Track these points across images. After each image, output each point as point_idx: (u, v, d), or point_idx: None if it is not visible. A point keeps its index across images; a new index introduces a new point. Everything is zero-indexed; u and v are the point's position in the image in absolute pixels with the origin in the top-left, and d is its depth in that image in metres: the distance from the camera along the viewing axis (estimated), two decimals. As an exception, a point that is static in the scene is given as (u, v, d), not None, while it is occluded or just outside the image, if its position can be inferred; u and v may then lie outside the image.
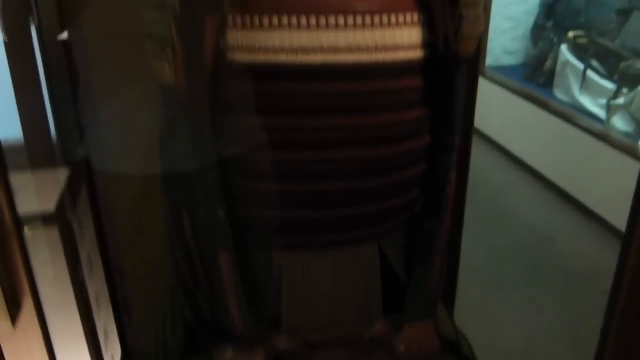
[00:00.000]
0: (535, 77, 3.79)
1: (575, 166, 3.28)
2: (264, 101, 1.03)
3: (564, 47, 3.49)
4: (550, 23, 3.61)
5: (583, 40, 3.30)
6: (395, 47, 1.01)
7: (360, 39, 0.98)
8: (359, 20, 0.97)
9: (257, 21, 0.97)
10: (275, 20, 0.97)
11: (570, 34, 3.38)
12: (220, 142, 1.06)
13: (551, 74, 3.65)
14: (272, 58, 0.98)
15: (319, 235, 1.16)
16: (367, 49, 0.99)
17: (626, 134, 3.02)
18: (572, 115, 3.33)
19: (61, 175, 1.13)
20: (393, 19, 1.00)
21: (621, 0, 3.32)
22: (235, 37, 0.99)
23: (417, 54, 1.04)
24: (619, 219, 2.94)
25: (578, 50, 3.34)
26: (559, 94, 3.58)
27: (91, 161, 1.39)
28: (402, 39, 1.01)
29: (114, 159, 1.43)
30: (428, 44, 1.05)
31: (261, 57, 0.99)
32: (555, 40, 3.59)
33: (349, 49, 0.98)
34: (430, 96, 1.10)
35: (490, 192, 3.30)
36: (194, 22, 0.95)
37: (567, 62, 3.46)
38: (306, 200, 1.10)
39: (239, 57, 1.00)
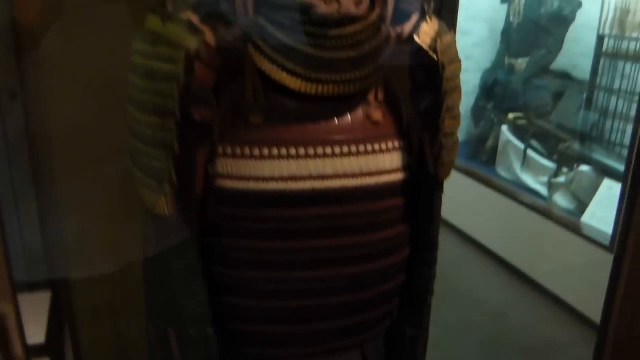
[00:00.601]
0: (478, 155, 3.97)
1: (522, 242, 3.41)
2: (253, 225, 1.04)
3: (504, 128, 3.69)
4: (491, 105, 3.82)
5: (523, 122, 3.51)
6: (379, 172, 1.06)
7: (347, 167, 1.03)
8: (345, 149, 1.02)
9: (247, 152, 1.00)
10: (265, 152, 1.00)
11: (511, 115, 3.58)
12: (209, 262, 1.07)
13: (493, 152, 3.84)
14: (262, 186, 1.01)
15: (305, 347, 1.17)
16: (353, 175, 1.03)
17: (568, 211, 3.18)
18: (515, 192, 3.49)
19: (43, 299, 1.10)
20: (377, 146, 1.05)
21: (556, 83, 3.57)
22: (225, 166, 1.01)
23: (398, 176, 1.09)
24: (568, 294, 3.07)
25: (518, 131, 3.54)
26: (501, 171, 3.75)
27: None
28: (385, 164, 1.07)
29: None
30: (408, 167, 1.10)
31: (251, 185, 1.01)
32: (495, 120, 3.79)
33: (336, 176, 1.02)
34: (410, 213, 1.14)
35: (441, 270, 3.36)
36: (185, 153, 0.97)
37: (508, 142, 3.65)
38: (294, 315, 1.11)
39: (229, 184, 1.02)
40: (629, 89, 3.48)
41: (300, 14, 0.94)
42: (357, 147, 1.03)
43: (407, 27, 1.07)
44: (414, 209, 1.14)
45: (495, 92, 3.79)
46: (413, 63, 1.07)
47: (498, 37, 3.90)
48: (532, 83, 3.61)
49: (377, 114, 1.05)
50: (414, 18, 1.07)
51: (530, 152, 3.47)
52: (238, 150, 1.00)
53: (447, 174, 1.15)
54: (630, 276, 1.28)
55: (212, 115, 0.99)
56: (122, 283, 1.44)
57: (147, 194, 1.02)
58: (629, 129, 3.44)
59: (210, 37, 0.95)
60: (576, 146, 3.22)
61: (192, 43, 0.92)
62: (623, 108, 3.53)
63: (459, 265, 3.58)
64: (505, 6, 3.83)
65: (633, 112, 3.45)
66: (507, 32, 3.80)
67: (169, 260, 1.09)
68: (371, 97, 1.04)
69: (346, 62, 0.96)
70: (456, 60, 1.09)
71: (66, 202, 1.38)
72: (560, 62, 3.69)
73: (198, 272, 1.06)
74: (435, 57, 1.04)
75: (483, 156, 3.92)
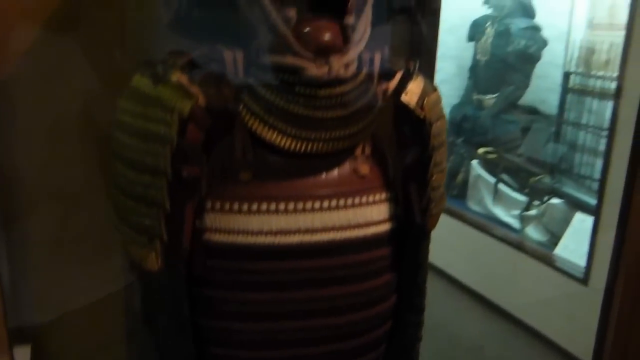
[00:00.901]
0: (449, 189, 4.03)
1: (495, 275, 3.45)
2: (241, 278, 1.05)
3: (474, 163, 3.76)
4: (460, 139, 3.89)
5: (493, 156, 3.59)
6: (367, 224, 1.08)
7: (335, 220, 1.05)
8: (333, 203, 1.04)
9: (236, 207, 1.01)
10: (254, 207, 1.01)
11: (480, 150, 3.66)
12: (195, 314, 1.07)
13: (464, 186, 3.90)
14: (250, 240, 1.02)
15: None
16: (341, 228, 1.05)
17: (541, 244, 3.25)
18: (487, 225, 3.55)
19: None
20: (364, 199, 1.07)
21: (525, 118, 3.68)
22: (214, 220, 1.02)
23: (386, 227, 1.11)
24: (543, 326, 3.11)
25: (488, 166, 3.61)
26: (472, 205, 3.81)
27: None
28: (372, 215, 1.09)
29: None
30: (395, 216, 1.12)
31: (240, 239, 1.02)
32: (465, 155, 3.86)
33: (325, 229, 1.04)
34: (397, 262, 1.16)
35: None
36: (175, 209, 0.98)
37: (479, 176, 3.72)
38: None
39: (217, 238, 1.03)
40: (596, 124, 3.60)
41: (291, 75, 0.96)
42: (345, 201, 1.05)
43: (392, 84, 1.10)
44: (400, 257, 1.17)
45: (464, 127, 3.87)
46: (400, 119, 1.10)
47: (466, 74, 4.00)
48: (500, 118, 3.70)
49: (364, 168, 1.08)
50: (398, 75, 1.11)
51: (501, 186, 3.54)
52: (227, 205, 1.02)
53: (434, 225, 1.18)
54: (620, 318, 1.32)
55: (201, 171, 1.00)
56: (101, 333, 1.42)
57: (135, 250, 1.02)
58: (598, 162, 3.54)
59: (200, 98, 0.97)
60: (547, 180, 3.30)
61: (185, 106, 0.93)
62: (591, 142, 3.65)
63: (432, 299, 3.55)
64: (472, 44, 3.93)
65: (601, 147, 3.57)
66: (475, 69, 3.90)
67: (153, 313, 1.10)
68: (358, 151, 1.07)
69: (335, 121, 0.99)
70: (442, 117, 1.12)
71: (38, 244, 1.37)
72: (528, 98, 3.79)
73: (184, 324, 1.06)
74: (422, 115, 1.07)
75: (454, 190, 3.98)
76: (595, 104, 3.66)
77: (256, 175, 1.02)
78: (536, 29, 3.62)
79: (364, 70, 1.04)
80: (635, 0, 2.76)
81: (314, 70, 0.94)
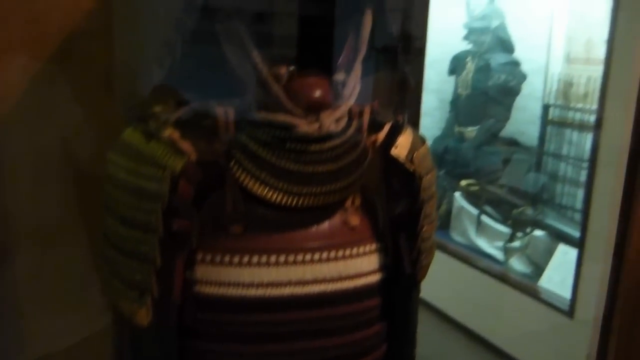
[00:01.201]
0: (432, 220, 4.04)
1: (480, 307, 3.45)
2: (231, 330, 1.06)
3: (457, 194, 3.79)
4: (442, 171, 3.93)
5: (475, 188, 3.62)
6: (357, 275, 1.09)
7: (326, 272, 1.06)
8: (324, 255, 1.06)
9: (227, 259, 1.02)
10: (245, 259, 1.02)
11: (463, 182, 3.69)
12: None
13: (447, 217, 3.92)
14: (241, 292, 1.03)
15: None
16: (332, 280, 1.07)
17: (525, 275, 3.26)
18: (471, 257, 3.56)
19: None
20: (354, 250, 1.09)
21: (506, 150, 3.73)
22: (204, 272, 1.02)
23: (376, 277, 1.12)
24: (528, 358, 3.11)
25: (471, 198, 3.64)
26: (456, 236, 3.83)
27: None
28: (363, 267, 1.10)
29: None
30: (385, 267, 1.14)
31: (230, 291, 1.03)
32: (448, 187, 3.89)
33: (315, 281, 1.05)
34: (388, 311, 1.17)
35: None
36: (165, 262, 0.98)
37: (462, 208, 3.75)
38: None
39: (208, 290, 1.03)
40: (576, 156, 3.67)
41: (282, 131, 0.97)
42: (336, 253, 1.07)
43: (381, 135, 1.12)
44: (391, 307, 1.17)
45: (446, 159, 3.91)
46: (389, 172, 1.11)
47: (447, 107, 4.05)
48: (482, 150, 3.74)
49: (354, 220, 1.09)
50: (387, 126, 1.13)
51: (484, 218, 3.57)
52: (217, 258, 1.02)
53: (424, 275, 1.19)
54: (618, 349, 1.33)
55: (192, 224, 1.01)
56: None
57: (125, 305, 1.02)
58: (579, 192, 3.59)
59: (192, 153, 0.98)
60: (529, 211, 3.34)
61: (177, 164, 0.94)
62: (572, 173, 3.70)
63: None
64: (453, 78, 3.99)
65: (582, 178, 3.62)
66: (456, 103, 3.95)
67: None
68: (348, 202, 1.08)
69: (326, 175, 1.00)
70: (431, 170, 1.14)
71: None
72: (509, 130, 3.84)
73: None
74: (411, 169, 1.09)
75: (437, 221, 3.99)
76: (574, 135, 3.73)
77: (247, 228, 1.03)
78: (515, 63, 3.69)
79: (354, 123, 1.06)
80: (613, 36, 2.83)
81: (305, 127, 0.96)
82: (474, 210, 3.65)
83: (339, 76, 1.00)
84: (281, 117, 0.96)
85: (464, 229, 3.75)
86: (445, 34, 3.94)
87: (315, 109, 0.96)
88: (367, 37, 1.02)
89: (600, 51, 3.62)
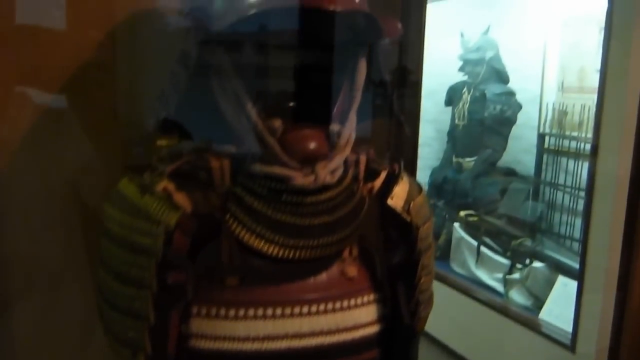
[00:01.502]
0: (432, 250, 4.02)
1: (480, 339, 3.42)
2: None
3: (456, 225, 3.78)
4: (441, 202, 3.92)
5: (474, 219, 3.61)
6: (355, 327, 1.07)
7: (323, 324, 1.03)
8: (321, 307, 1.03)
9: (222, 312, 0.99)
10: (241, 312, 0.99)
11: (462, 213, 3.68)
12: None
13: (447, 248, 3.90)
14: (237, 346, 1.00)
15: None
16: (329, 332, 1.04)
17: (525, 308, 3.23)
18: (471, 289, 3.53)
19: None
20: (352, 302, 1.06)
21: (503, 180, 3.72)
22: (200, 326, 1.00)
23: (374, 329, 1.10)
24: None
25: (470, 228, 3.63)
26: (456, 267, 3.81)
27: None
28: (361, 318, 1.08)
29: None
30: (383, 317, 1.11)
31: (226, 345, 1.00)
32: (447, 217, 3.88)
33: (313, 334, 1.03)
34: None
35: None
36: (160, 317, 0.96)
37: (461, 239, 3.73)
38: None
39: (203, 344, 1.00)
40: (572, 184, 3.66)
41: (277, 183, 0.96)
42: (333, 304, 1.04)
43: (378, 183, 1.11)
44: (389, 357, 1.15)
45: (445, 190, 3.91)
46: (386, 222, 1.10)
47: (444, 137, 4.06)
48: (480, 181, 3.74)
49: (352, 270, 1.07)
50: (383, 174, 1.12)
51: (483, 249, 3.55)
52: (213, 311, 1.00)
53: (423, 327, 1.17)
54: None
55: (187, 277, 0.99)
56: None
57: None
58: (577, 221, 3.58)
59: (187, 205, 0.97)
60: (528, 242, 3.32)
61: (171, 219, 0.93)
62: (570, 202, 3.70)
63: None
64: (449, 109, 4.01)
65: (579, 207, 3.62)
66: (453, 133, 3.97)
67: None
68: (346, 253, 1.06)
69: (323, 228, 0.99)
70: (428, 219, 1.13)
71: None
72: (506, 159, 3.85)
73: None
74: (408, 219, 1.07)
75: (436, 251, 3.98)
76: (571, 164, 3.73)
77: (243, 280, 1.00)
78: (511, 94, 3.71)
79: (350, 173, 1.05)
80: (606, 64, 2.84)
81: (301, 179, 0.95)
82: (473, 241, 3.63)
83: (334, 126, 0.99)
84: (277, 170, 0.95)
85: (463, 260, 3.73)
86: (440, 65, 3.97)
87: (310, 160, 0.95)
88: (362, 86, 1.02)
89: (593, 80, 3.65)
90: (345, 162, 1.03)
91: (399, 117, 1.12)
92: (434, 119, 4.19)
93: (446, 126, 4.03)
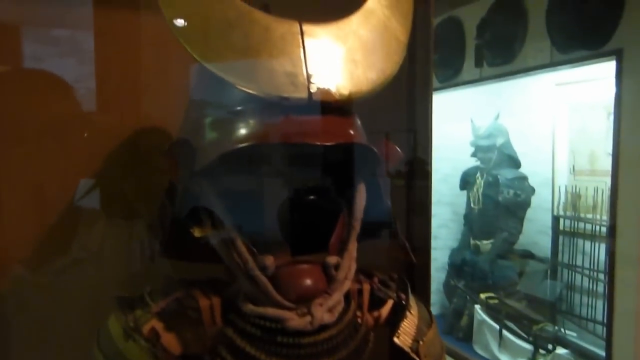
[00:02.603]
0: (453, 332, 3.77)
1: None
2: None
3: (477, 307, 3.54)
4: (462, 283, 3.70)
5: (495, 301, 3.37)
6: None
7: None
8: None
9: None
10: None
11: (482, 295, 3.45)
12: None
13: (469, 329, 3.65)
14: None
15: None
16: None
17: (552, 395, 2.95)
18: (496, 373, 3.27)
19: None
20: None
21: (521, 263, 3.52)
22: None
23: None
24: None
25: (491, 311, 3.39)
26: (479, 349, 3.54)
27: None
28: None
29: None
30: None
31: None
32: (468, 298, 3.65)
33: None
34: None
35: None
36: None
37: (483, 321, 3.48)
38: None
39: None
40: (591, 266, 3.44)
41: (272, 323, 0.82)
42: None
43: (384, 312, 0.96)
44: None
45: (465, 271, 3.70)
46: (394, 356, 0.94)
47: (461, 219, 3.89)
48: (498, 263, 3.53)
49: None
50: (390, 302, 0.96)
51: (505, 333, 3.29)
52: None
53: None
54: None
55: None
56: None
57: None
58: (599, 303, 3.34)
59: (176, 348, 0.83)
60: (549, 327, 3.07)
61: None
62: (589, 284, 3.46)
63: None
64: (464, 192, 3.86)
65: (598, 288, 3.38)
66: (469, 216, 3.80)
67: None
68: None
69: None
70: (441, 355, 0.96)
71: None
72: (522, 241, 3.65)
73: None
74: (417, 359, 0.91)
75: (459, 332, 3.73)
76: (587, 245, 3.51)
77: None
78: (523, 178, 3.56)
79: (352, 306, 0.90)
80: (618, 148, 2.70)
81: (296, 321, 0.81)
82: (495, 325, 3.38)
83: (332, 259, 0.85)
84: (270, 311, 0.81)
85: (486, 343, 3.46)
86: (453, 150, 3.86)
87: (305, 299, 0.81)
88: (362, 213, 0.88)
89: (605, 163, 3.51)
90: (347, 294, 0.88)
91: (403, 244, 0.97)
92: (450, 202, 4.04)
93: (462, 209, 3.86)
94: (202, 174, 0.81)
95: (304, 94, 0.76)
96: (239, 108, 0.80)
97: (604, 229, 3.37)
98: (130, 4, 1.20)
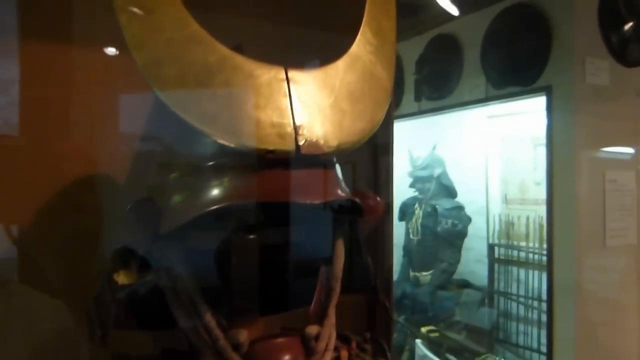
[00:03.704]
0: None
1: None
2: None
3: (419, 342, 3.52)
4: (402, 317, 3.68)
5: (436, 335, 3.37)
6: None
7: None
8: None
9: None
10: None
11: (423, 329, 3.44)
12: None
13: (410, 364, 3.62)
14: None
15: None
16: None
17: None
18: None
19: None
20: None
21: (459, 293, 3.55)
22: None
23: None
24: None
25: (433, 345, 3.38)
26: (421, 384, 3.52)
27: None
28: None
29: None
30: None
31: None
32: (409, 332, 3.63)
33: None
34: None
35: None
36: None
37: (424, 356, 3.47)
38: None
39: None
40: (525, 293, 3.53)
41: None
42: None
43: None
44: None
45: (405, 305, 3.68)
46: None
47: (400, 251, 3.89)
48: (437, 294, 3.55)
49: None
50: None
51: (447, 366, 3.29)
52: None
53: None
54: None
55: None
56: None
57: None
58: (534, 331, 3.42)
59: None
60: (491, 358, 3.09)
61: None
62: (523, 311, 3.55)
63: None
64: (403, 223, 3.87)
65: (533, 315, 3.46)
66: (408, 247, 3.81)
67: None
68: None
69: None
70: None
71: None
72: (460, 270, 3.69)
73: None
74: None
75: (400, 368, 3.69)
76: (521, 273, 3.61)
77: None
78: (460, 208, 3.62)
79: None
80: (551, 179, 2.79)
81: None
82: (437, 359, 3.37)
83: (312, 330, 0.77)
84: None
85: (427, 377, 3.45)
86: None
87: None
88: (341, 272, 0.81)
89: (534, 192, 3.64)
90: None
91: (384, 303, 0.91)
92: (388, 233, 4.03)
93: (401, 240, 3.86)
94: (162, 236, 0.71)
95: (291, 147, 0.69)
96: (210, 163, 0.71)
97: (536, 257, 3.48)
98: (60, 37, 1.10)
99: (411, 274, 3.72)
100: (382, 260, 1.51)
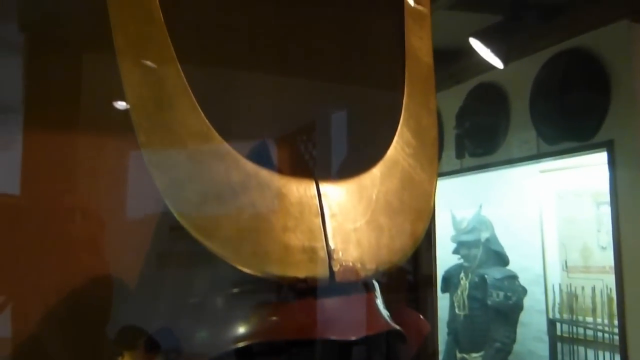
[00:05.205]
0: None
1: None
2: None
3: None
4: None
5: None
6: None
7: None
8: None
9: None
10: None
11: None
12: None
13: None
14: None
15: None
16: None
17: None
18: None
19: None
20: None
21: None
22: None
23: None
24: None
25: None
26: None
27: None
28: None
29: None
30: None
31: None
32: None
33: None
34: None
35: None
36: None
37: None
38: None
39: None
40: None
41: None
42: None
43: None
44: None
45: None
46: None
47: (444, 328, 3.81)
48: (492, 382, 3.45)
49: None
50: None
51: None
52: None
53: None
54: None
55: None
56: None
57: None
58: None
59: None
60: None
61: None
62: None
63: None
64: (447, 295, 3.81)
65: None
66: (454, 324, 3.73)
67: None
68: None
69: None
70: None
71: None
72: (516, 350, 3.59)
73: None
74: None
75: None
76: (590, 354, 3.49)
77: None
78: (513, 277, 3.55)
79: None
80: (619, 243, 2.73)
81: None
82: None
83: None
84: None
85: None
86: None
87: None
88: None
89: (599, 258, 3.55)
90: None
91: None
92: (430, 307, 3.97)
93: (445, 315, 3.79)
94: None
95: (324, 274, 0.69)
96: (235, 290, 0.72)
97: (607, 336, 3.36)
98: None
99: (458, 355, 3.64)
100: (425, 343, 1.49)
